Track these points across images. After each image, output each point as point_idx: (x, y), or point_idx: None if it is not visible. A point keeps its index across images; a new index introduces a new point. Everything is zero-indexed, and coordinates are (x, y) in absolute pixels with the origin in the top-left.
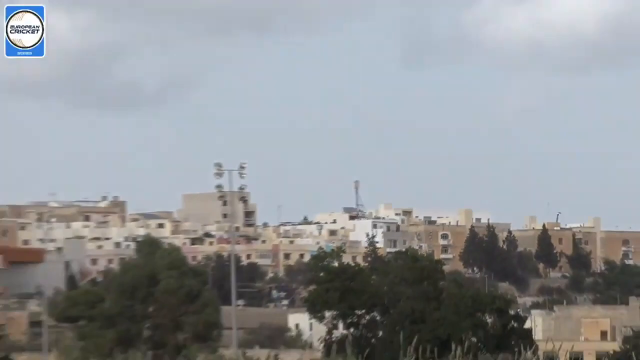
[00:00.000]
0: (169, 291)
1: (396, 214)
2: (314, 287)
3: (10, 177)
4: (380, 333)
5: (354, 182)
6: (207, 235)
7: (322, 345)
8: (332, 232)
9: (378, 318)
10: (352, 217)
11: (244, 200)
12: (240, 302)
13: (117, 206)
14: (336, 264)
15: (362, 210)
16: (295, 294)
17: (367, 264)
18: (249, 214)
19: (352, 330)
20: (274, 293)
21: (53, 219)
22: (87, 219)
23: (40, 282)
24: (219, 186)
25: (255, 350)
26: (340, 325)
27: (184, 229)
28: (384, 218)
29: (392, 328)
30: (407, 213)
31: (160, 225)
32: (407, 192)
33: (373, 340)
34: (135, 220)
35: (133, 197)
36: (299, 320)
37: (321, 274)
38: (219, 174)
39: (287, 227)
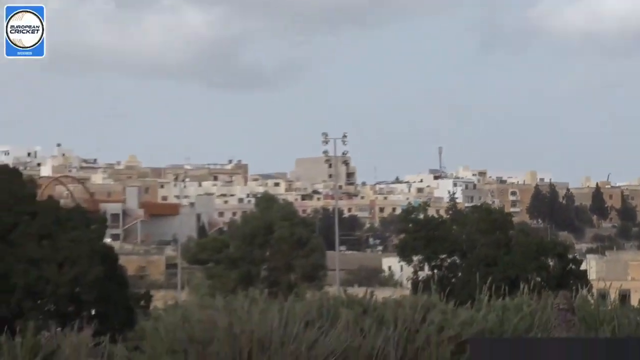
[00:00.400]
0: (283, 239)
1: (473, 175)
2: (403, 235)
3: (153, 143)
4: (460, 274)
5: (438, 148)
6: (315, 192)
7: (410, 283)
8: (420, 190)
9: (457, 261)
10: (436, 177)
11: (346, 163)
12: (342, 247)
13: (241, 168)
14: (422, 216)
15: (445, 172)
16: (388, 241)
17: (448, 216)
18: (350, 175)
19: (435, 271)
20: (371, 240)
21: (187, 179)
22: (215, 179)
23: (176, 231)
24: (325, 152)
25: (355, 288)
26: (426, 267)
27: (296, 187)
28: (462, 178)
29: (470, 270)
30: (482, 174)
31: (276, 184)
32: (483, 156)
33: (453, 280)
34: (255, 180)
35: (254, 161)
36: (391, 263)
37: (410, 225)
38: (326, 142)
39: (382, 186)
